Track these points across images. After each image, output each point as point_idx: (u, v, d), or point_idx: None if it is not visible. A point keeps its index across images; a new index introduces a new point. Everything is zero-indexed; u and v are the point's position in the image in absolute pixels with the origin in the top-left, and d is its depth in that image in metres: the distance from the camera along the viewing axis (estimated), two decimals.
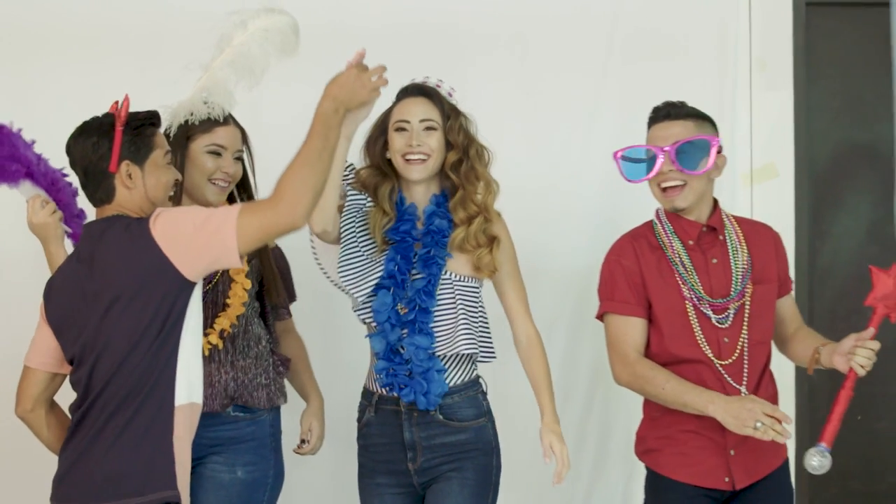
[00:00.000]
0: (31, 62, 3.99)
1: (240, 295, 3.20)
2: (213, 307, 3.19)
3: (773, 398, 3.20)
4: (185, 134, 3.13)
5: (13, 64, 4.03)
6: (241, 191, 3.31)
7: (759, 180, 4.25)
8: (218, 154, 3.16)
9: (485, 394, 3.24)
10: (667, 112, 3.18)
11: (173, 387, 2.71)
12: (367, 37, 3.92)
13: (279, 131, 3.91)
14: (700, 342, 3.09)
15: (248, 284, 3.22)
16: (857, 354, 3.00)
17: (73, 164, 2.85)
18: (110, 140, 2.77)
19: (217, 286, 3.20)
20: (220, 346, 3.18)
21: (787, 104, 4.28)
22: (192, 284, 2.71)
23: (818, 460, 2.97)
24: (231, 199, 3.29)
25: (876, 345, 3.02)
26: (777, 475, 3.17)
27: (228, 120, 3.19)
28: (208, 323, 3.15)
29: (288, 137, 3.92)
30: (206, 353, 3.13)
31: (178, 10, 4.06)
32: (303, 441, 3.47)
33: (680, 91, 4.12)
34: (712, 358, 3.09)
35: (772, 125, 4.27)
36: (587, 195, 3.63)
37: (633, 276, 3.14)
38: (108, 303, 2.69)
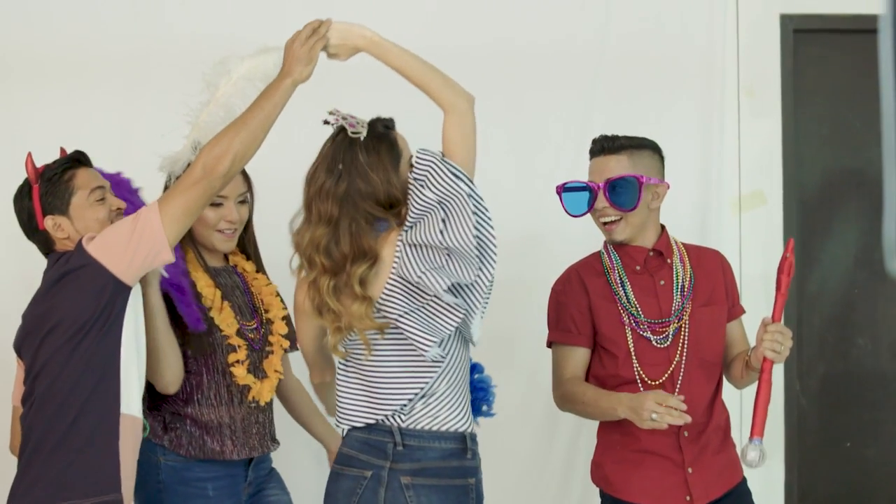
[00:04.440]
0: (19, 90, 3.98)
1: (280, 342, 3.24)
2: (260, 352, 3.20)
3: (726, 423, 3.22)
4: None
5: (1, 94, 4.01)
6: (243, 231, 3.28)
7: (747, 208, 4.25)
8: (219, 204, 3.14)
9: None
10: (601, 146, 3.15)
11: (118, 394, 2.73)
12: (358, 63, 3.93)
13: (278, 164, 3.94)
14: (634, 364, 3.09)
15: (285, 329, 3.25)
16: (764, 341, 2.98)
17: None
18: (31, 199, 2.84)
19: (260, 330, 3.21)
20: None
21: (775, 131, 4.28)
22: (128, 288, 2.72)
23: (753, 454, 2.98)
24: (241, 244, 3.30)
25: (779, 326, 2.98)
26: (738, 492, 3.17)
27: None
28: (257, 371, 3.18)
29: (287, 173, 3.95)
30: (264, 403, 3.18)
31: (167, 35, 4.06)
32: None
33: (667, 117, 4.18)
34: (647, 379, 3.08)
35: (760, 152, 4.26)
36: (572, 225, 3.66)
37: (578, 305, 3.15)
38: (50, 327, 2.72)
